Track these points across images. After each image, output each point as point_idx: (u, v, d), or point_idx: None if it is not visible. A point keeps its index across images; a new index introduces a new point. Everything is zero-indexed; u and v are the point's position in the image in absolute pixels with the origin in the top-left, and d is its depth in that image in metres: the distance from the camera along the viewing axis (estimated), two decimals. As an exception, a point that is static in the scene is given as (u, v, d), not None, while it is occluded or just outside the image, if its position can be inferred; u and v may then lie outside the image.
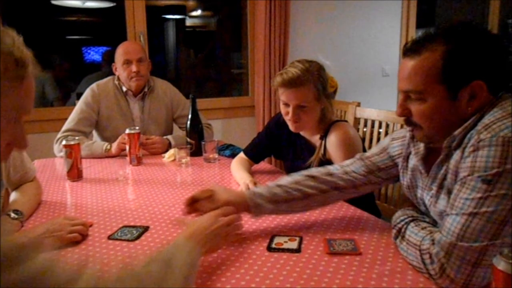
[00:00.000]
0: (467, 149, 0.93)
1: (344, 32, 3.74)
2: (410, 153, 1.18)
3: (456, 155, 0.98)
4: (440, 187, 1.04)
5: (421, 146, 1.12)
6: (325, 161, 1.64)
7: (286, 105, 1.67)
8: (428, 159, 1.10)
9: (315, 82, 1.64)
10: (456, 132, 0.98)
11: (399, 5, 3.87)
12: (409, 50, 1.03)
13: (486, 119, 0.94)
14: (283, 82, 1.63)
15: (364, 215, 1.36)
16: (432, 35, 1.01)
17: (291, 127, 1.71)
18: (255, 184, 1.55)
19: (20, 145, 0.76)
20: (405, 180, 1.21)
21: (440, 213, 1.04)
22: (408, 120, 1.06)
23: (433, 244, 0.94)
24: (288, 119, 1.69)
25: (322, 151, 1.70)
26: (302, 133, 1.80)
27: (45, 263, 0.63)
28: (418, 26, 3.91)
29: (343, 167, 1.32)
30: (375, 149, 1.32)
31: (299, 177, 1.30)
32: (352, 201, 1.46)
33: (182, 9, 4.15)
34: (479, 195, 0.89)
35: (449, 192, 1.00)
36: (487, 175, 0.88)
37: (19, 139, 0.75)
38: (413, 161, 1.14)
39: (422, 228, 1.02)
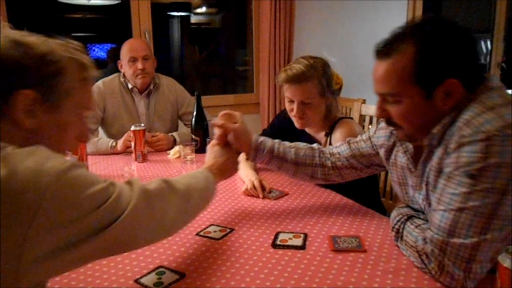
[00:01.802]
0: (451, 146, 0.93)
1: (350, 29, 3.73)
2: (393, 145, 1.20)
3: (438, 152, 0.99)
4: (427, 184, 1.04)
5: (410, 144, 1.12)
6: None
7: (291, 101, 1.67)
8: (417, 157, 1.10)
9: (319, 78, 1.64)
10: (435, 130, 0.98)
11: (405, 4, 3.85)
12: (380, 52, 1.02)
13: (467, 115, 0.93)
14: (288, 78, 1.63)
15: (369, 212, 1.36)
16: (401, 35, 0.99)
17: (296, 123, 1.71)
18: (260, 181, 1.55)
19: (84, 139, 0.90)
20: (394, 175, 1.21)
21: None
22: (389, 121, 1.06)
23: (426, 243, 0.95)
24: (293, 115, 1.69)
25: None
26: (307, 129, 1.80)
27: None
28: (424, 23, 3.88)
29: (332, 148, 1.41)
30: (363, 135, 1.37)
31: (301, 144, 1.43)
32: (357, 198, 1.46)
33: (187, 6, 4.15)
34: (464, 189, 0.89)
35: (435, 188, 1.00)
36: (471, 169, 0.88)
37: (84, 134, 0.88)
38: (403, 159, 1.15)
39: (416, 227, 1.03)
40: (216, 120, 1.36)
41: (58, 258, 0.66)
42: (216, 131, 1.33)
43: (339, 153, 1.38)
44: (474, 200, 0.88)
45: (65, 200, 0.65)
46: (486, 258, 0.89)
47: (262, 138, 1.38)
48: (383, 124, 1.28)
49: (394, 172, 1.20)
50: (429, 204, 1.04)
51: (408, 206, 1.17)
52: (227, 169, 1.26)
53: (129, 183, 0.82)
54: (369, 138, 1.33)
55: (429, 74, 0.95)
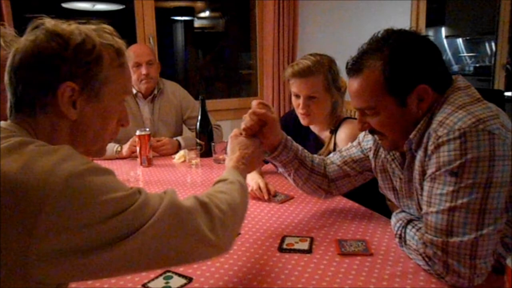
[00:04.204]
0: (429, 148, 0.96)
1: (353, 32, 3.73)
2: (378, 149, 1.23)
3: (419, 155, 1.02)
4: (416, 190, 1.06)
5: (397, 152, 1.14)
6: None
7: (297, 96, 1.69)
8: (404, 164, 1.12)
9: (325, 73, 1.65)
10: (411, 135, 1.02)
11: (409, 5, 3.85)
12: (351, 70, 1.06)
13: (440, 116, 0.97)
14: (294, 72, 1.65)
15: (375, 215, 1.36)
16: (367, 52, 1.04)
17: (302, 120, 1.72)
18: (266, 184, 1.55)
19: (125, 123, 0.89)
20: (385, 182, 1.23)
21: None
22: (372, 131, 1.11)
23: (426, 246, 0.96)
24: (299, 112, 1.70)
25: (331, 146, 1.70)
26: (311, 127, 1.80)
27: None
28: (428, 25, 3.88)
29: (327, 158, 1.41)
30: (355, 141, 1.39)
31: (316, 155, 1.42)
32: (363, 202, 1.46)
33: (190, 11, 4.16)
34: (451, 188, 0.92)
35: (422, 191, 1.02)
36: (452, 168, 0.91)
37: (124, 118, 0.88)
38: (392, 165, 1.17)
39: (417, 230, 1.04)
40: (254, 108, 1.23)
41: (69, 261, 0.63)
42: (248, 120, 1.21)
43: (332, 162, 1.38)
44: (462, 197, 0.90)
45: (72, 203, 0.63)
46: (488, 253, 0.91)
47: (288, 144, 1.31)
48: None
49: (386, 179, 1.22)
50: (422, 209, 1.05)
51: (404, 211, 1.18)
52: (253, 162, 1.16)
53: (164, 192, 0.77)
54: (359, 143, 1.35)
55: (399, 83, 1.00)
